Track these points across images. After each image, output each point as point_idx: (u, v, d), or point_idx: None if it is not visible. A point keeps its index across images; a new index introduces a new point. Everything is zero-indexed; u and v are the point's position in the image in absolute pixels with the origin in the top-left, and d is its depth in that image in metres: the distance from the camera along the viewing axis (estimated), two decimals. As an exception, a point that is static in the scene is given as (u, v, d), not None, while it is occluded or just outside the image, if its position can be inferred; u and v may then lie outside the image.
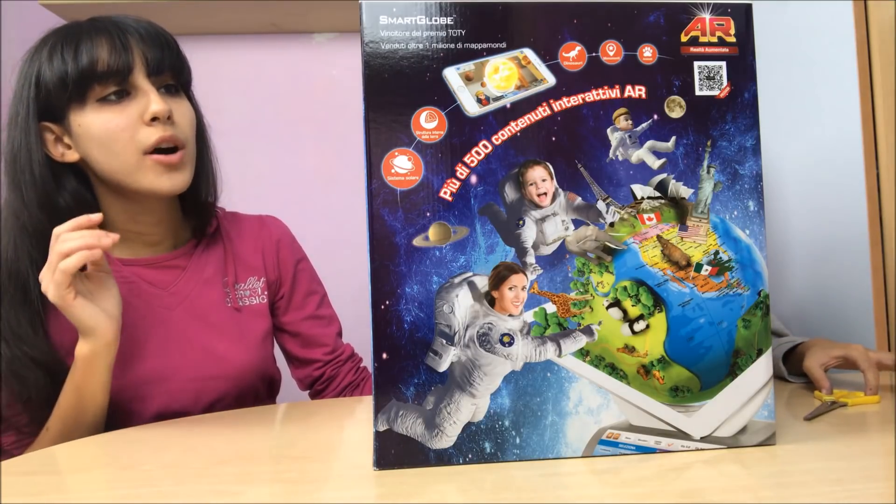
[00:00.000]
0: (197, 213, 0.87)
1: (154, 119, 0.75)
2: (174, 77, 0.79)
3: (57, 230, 0.68)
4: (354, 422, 0.71)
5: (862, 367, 0.75)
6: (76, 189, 0.78)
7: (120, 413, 0.76)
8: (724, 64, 0.56)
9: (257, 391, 0.87)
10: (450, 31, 0.53)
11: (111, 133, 0.74)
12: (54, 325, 0.77)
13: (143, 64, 0.75)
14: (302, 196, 1.48)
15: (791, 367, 0.85)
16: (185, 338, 0.81)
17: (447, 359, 0.52)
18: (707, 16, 0.56)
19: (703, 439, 0.55)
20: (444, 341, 0.52)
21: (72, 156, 0.77)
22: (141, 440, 0.66)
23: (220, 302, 0.85)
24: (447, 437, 0.52)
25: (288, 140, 1.49)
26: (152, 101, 0.74)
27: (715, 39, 0.56)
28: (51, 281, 0.67)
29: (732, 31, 0.56)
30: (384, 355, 0.52)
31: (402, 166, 0.52)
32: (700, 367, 0.55)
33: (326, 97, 1.48)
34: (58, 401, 0.71)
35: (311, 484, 0.51)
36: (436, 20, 0.53)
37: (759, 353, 0.56)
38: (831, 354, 0.79)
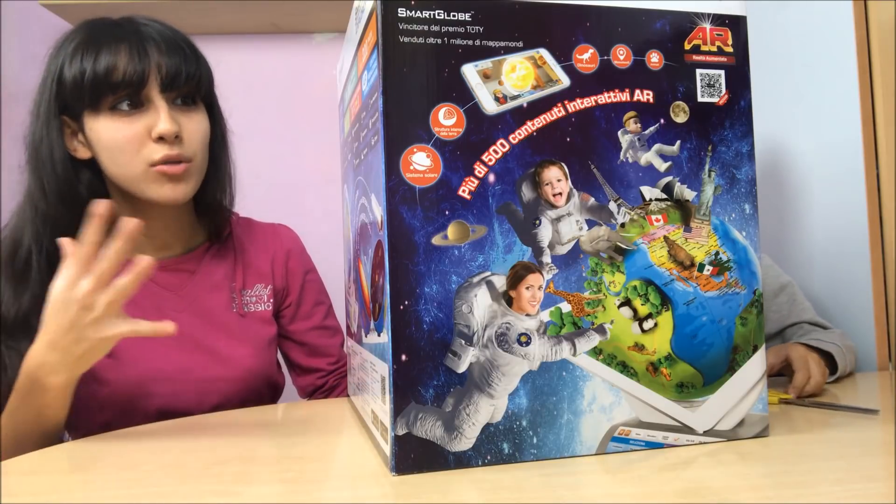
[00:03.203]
0: (211, 218, 0.86)
1: (161, 138, 0.74)
2: (192, 88, 0.77)
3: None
4: (355, 422, 0.69)
5: (796, 366, 0.78)
6: (92, 182, 0.77)
7: (122, 408, 0.76)
8: (722, 73, 0.58)
9: (261, 395, 0.87)
10: (468, 27, 0.52)
11: (118, 144, 0.74)
12: None
13: (157, 77, 0.74)
14: (301, 196, 1.48)
15: None
16: (192, 339, 0.80)
17: (466, 360, 0.51)
18: (708, 26, 0.58)
19: (705, 433, 0.57)
20: (463, 342, 0.51)
21: (84, 153, 0.77)
22: (141, 440, 0.65)
23: (226, 307, 0.85)
24: (466, 439, 0.51)
25: (288, 140, 1.48)
26: (161, 119, 0.74)
27: (715, 49, 0.58)
28: (108, 303, 0.60)
29: (730, 42, 0.59)
30: (403, 357, 0.50)
31: (421, 163, 0.51)
32: (703, 363, 0.57)
33: (326, 97, 1.46)
34: (12, 415, 0.66)
35: (311, 484, 0.50)
36: (454, 15, 0.52)
37: (755, 349, 0.58)
38: (778, 353, 0.82)
